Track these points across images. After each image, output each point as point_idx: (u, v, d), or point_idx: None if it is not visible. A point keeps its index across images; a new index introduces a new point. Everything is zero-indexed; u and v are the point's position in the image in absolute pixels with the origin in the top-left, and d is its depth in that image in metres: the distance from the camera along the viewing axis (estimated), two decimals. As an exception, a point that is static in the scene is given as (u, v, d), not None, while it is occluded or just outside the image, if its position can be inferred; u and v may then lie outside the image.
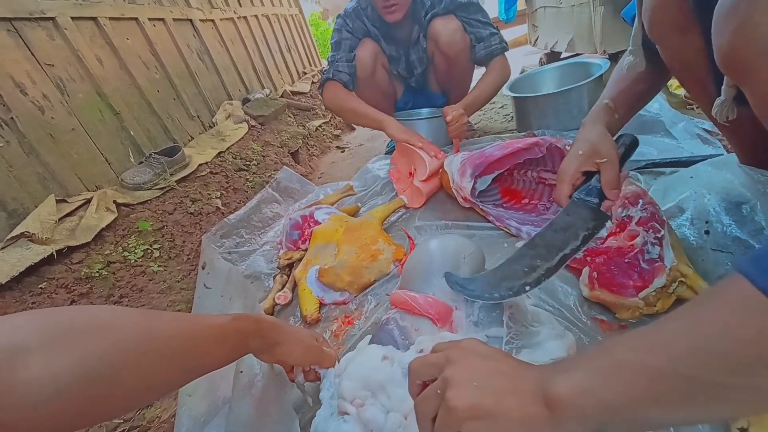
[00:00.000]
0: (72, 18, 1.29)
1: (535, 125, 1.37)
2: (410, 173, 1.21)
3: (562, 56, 2.13)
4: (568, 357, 0.41)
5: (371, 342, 0.53)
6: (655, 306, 0.56)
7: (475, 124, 1.79)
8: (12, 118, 1.05)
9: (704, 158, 0.85)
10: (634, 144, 0.67)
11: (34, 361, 0.27)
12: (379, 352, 0.48)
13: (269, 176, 1.68)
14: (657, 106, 1.12)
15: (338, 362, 0.53)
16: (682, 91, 1.19)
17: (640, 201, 0.66)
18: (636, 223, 0.63)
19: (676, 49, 0.54)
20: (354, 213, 1.22)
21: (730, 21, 0.33)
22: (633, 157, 1.00)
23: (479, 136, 1.54)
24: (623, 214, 0.67)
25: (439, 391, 0.31)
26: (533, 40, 2.34)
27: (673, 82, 1.22)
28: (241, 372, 0.56)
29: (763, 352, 0.21)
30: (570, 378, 0.27)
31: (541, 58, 2.26)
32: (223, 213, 1.38)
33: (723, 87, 0.46)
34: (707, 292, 0.24)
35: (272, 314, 0.91)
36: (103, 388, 0.30)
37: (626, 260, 0.60)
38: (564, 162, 0.64)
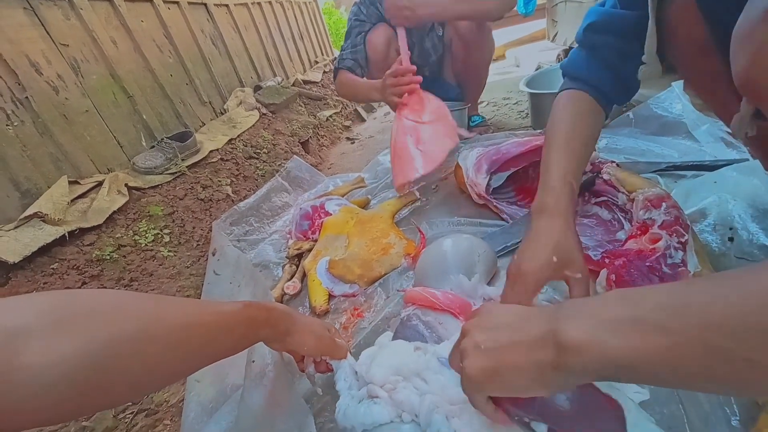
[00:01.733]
0: (88, -2, 1.28)
1: (551, 123, 1.34)
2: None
3: (580, 53, 2.08)
4: (575, 300, 0.37)
5: (395, 338, 0.53)
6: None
7: (489, 119, 1.77)
8: (27, 97, 1.05)
9: (728, 163, 0.83)
10: None
11: (36, 346, 0.26)
12: (409, 345, 0.47)
13: (279, 165, 1.68)
14: (680, 107, 1.09)
15: (351, 355, 0.53)
16: (706, 93, 1.16)
17: (663, 204, 0.64)
18: (659, 226, 0.61)
19: (697, 68, 0.54)
20: (364, 205, 1.21)
21: (746, 47, 0.33)
22: (653, 159, 0.99)
23: (493, 132, 1.52)
24: (645, 217, 0.65)
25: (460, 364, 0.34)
26: (552, 36, 2.29)
27: (698, 83, 1.19)
28: (253, 361, 0.56)
29: None
30: (582, 325, 0.27)
31: (558, 54, 2.21)
32: (233, 200, 1.38)
33: (741, 104, 0.45)
34: (759, 263, 0.22)
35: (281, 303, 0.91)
36: (108, 375, 0.29)
37: (647, 264, 0.58)
38: (527, 260, 0.49)
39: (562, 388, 0.30)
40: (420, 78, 1.07)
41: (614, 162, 0.86)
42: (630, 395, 0.45)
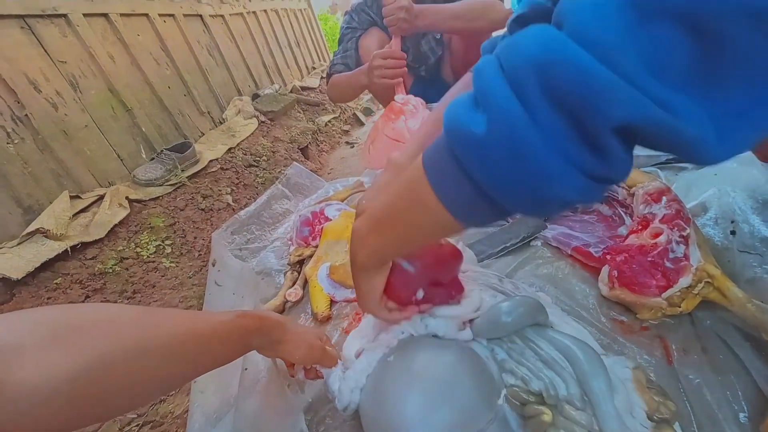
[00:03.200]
0: (84, 14, 1.29)
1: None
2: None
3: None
4: None
5: None
6: (679, 306, 0.54)
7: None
8: (26, 115, 1.06)
9: (729, 153, 0.82)
10: None
11: (29, 361, 0.26)
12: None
13: (279, 172, 1.68)
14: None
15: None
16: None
17: (664, 198, 0.63)
18: (659, 220, 0.60)
19: None
20: (364, 209, 1.21)
21: None
22: (652, 152, 0.98)
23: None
24: (645, 212, 0.64)
25: None
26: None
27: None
28: (246, 369, 0.56)
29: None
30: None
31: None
32: (233, 209, 1.39)
33: None
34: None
35: (283, 311, 0.91)
36: (102, 388, 0.29)
37: (649, 259, 0.58)
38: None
39: None
40: (404, 63, 1.08)
41: (613, 157, 0.85)
42: None
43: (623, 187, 0.76)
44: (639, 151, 0.82)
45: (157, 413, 0.73)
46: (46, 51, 1.17)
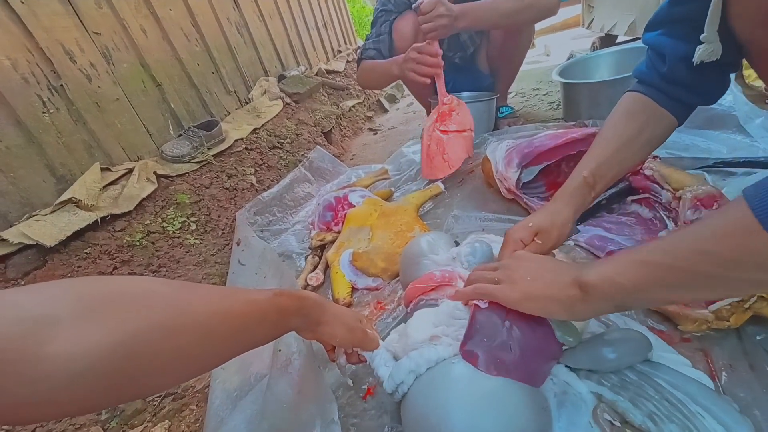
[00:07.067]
0: (118, -14, 1.29)
1: (585, 114, 1.27)
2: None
3: (618, 41, 1.98)
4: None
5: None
6: (728, 321, 0.51)
7: (517, 111, 1.71)
8: (62, 85, 1.08)
9: (786, 159, 0.76)
10: None
11: (65, 334, 0.25)
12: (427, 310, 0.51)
13: (302, 155, 1.67)
14: (730, 98, 1.01)
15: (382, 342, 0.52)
16: (761, 84, 1.07)
17: (715, 204, 0.59)
18: (710, 228, 0.56)
19: (762, 41, 0.50)
20: (387, 197, 1.19)
21: None
22: (699, 155, 0.93)
23: (522, 124, 1.46)
24: (693, 217, 0.60)
25: (496, 278, 0.46)
26: (587, 22, 2.18)
27: (751, 74, 1.10)
28: (280, 350, 0.55)
29: (737, 256, 0.30)
30: (598, 270, 0.39)
31: (593, 42, 2.11)
32: (257, 190, 1.39)
33: None
34: (715, 210, 0.36)
35: (304, 294, 0.91)
36: (137, 365, 0.28)
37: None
38: (517, 228, 0.58)
39: (588, 317, 0.42)
40: (441, 62, 1.05)
41: (656, 157, 0.81)
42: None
43: (668, 190, 0.72)
44: (685, 152, 0.77)
45: (179, 386, 0.74)
46: (81, 21, 1.17)
